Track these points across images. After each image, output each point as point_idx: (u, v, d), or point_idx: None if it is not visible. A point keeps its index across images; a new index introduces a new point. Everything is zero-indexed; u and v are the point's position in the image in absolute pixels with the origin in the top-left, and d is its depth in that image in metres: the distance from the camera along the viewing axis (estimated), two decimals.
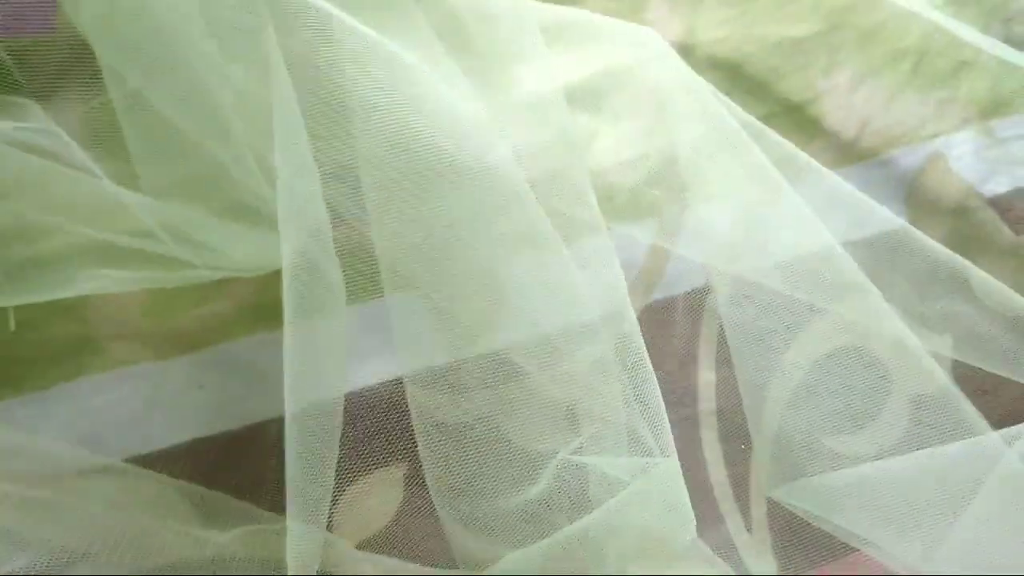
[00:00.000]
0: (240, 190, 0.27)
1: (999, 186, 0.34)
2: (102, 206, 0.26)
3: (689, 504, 0.27)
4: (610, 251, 0.30)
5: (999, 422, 0.32)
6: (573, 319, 0.30)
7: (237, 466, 0.28)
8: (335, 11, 0.25)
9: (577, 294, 0.31)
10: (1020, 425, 0.29)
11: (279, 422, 0.28)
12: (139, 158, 0.27)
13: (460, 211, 0.30)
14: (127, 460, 0.27)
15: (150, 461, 0.27)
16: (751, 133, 0.32)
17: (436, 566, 0.29)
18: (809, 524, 0.32)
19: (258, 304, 0.29)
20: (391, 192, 0.30)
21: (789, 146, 0.33)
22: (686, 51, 0.33)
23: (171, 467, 0.28)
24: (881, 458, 0.31)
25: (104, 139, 0.27)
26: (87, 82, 0.26)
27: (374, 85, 0.27)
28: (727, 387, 0.31)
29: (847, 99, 0.33)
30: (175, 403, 0.28)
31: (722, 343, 0.31)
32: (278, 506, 0.28)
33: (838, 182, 0.33)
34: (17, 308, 0.27)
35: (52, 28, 0.27)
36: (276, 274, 0.29)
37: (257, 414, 0.29)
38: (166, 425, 0.28)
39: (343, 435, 0.29)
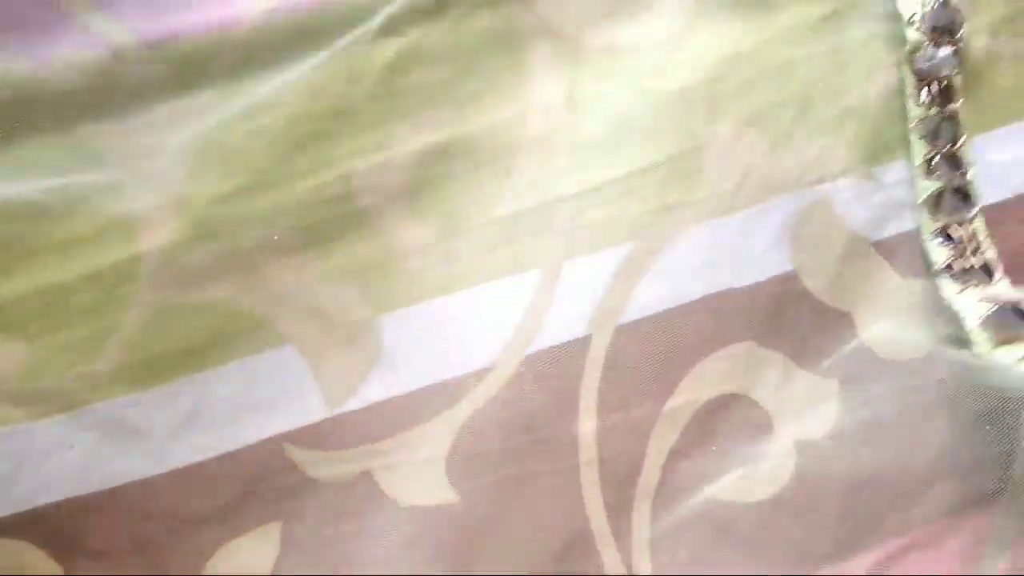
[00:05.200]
0: None
1: (884, 231, 0.34)
2: None
3: None
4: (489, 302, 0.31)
5: (887, 465, 0.32)
6: (449, 371, 0.31)
7: (103, 528, 0.28)
8: None
9: (453, 346, 0.31)
10: None
11: (147, 483, 0.29)
12: None
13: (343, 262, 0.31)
14: None
15: (16, 523, 0.28)
16: (632, 184, 0.33)
17: None
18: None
19: (133, 364, 0.30)
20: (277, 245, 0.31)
21: (670, 196, 0.33)
22: (569, 104, 0.33)
23: (38, 528, 0.28)
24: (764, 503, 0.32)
25: None
26: None
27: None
28: (608, 436, 0.31)
29: (729, 148, 0.34)
30: (42, 463, 0.28)
31: (603, 392, 0.32)
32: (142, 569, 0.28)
33: (720, 230, 0.33)
34: None
35: None
36: (155, 332, 0.29)
37: (125, 475, 0.29)
38: (33, 485, 0.28)
39: (218, 494, 0.29)
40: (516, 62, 0.33)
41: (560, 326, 0.32)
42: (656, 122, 0.34)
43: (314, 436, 0.30)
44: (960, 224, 0.34)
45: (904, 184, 0.34)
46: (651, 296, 0.32)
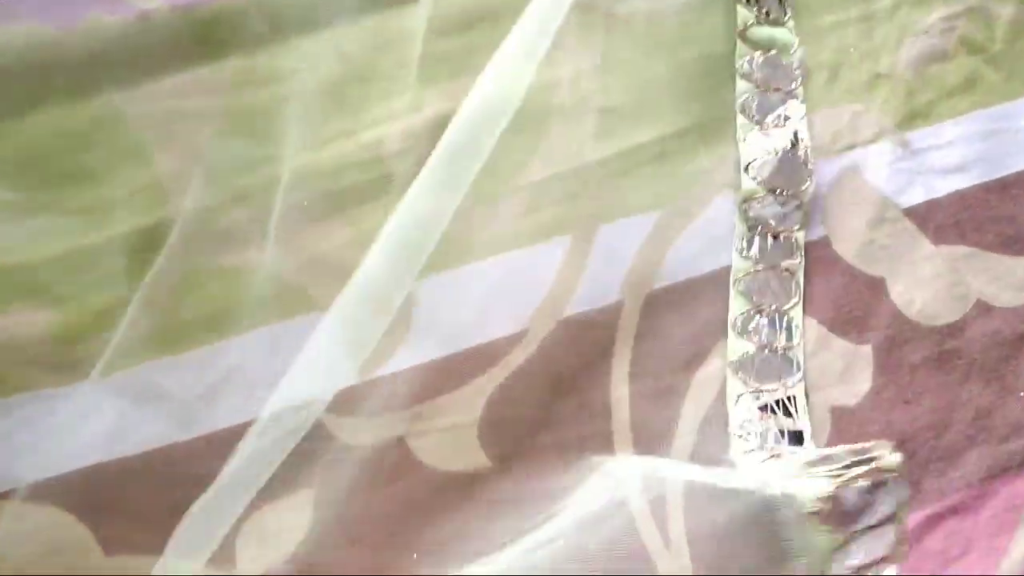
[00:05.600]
0: None
1: (915, 197, 0.34)
2: None
3: None
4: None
5: (922, 430, 0.32)
6: (481, 336, 0.31)
7: (134, 492, 0.28)
8: None
9: (486, 311, 0.31)
10: None
11: (175, 448, 0.29)
12: None
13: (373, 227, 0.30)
14: (24, 487, 0.27)
15: (47, 488, 0.27)
16: (662, 150, 0.33)
17: None
18: (730, 538, 0.31)
19: (164, 329, 0.29)
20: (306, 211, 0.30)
21: (701, 161, 0.33)
22: (601, 73, 0.33)
23: (68, 493, 0.28)
24: None
25: None
26: None
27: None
28: (641, 402, 0.31)
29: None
30: (73, 429, 0.28)
31: (636, 358, 0.31)
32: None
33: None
34: None
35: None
36: (186, 298, 0.29)
37: (155, 440, 0.29)
38: (64, 451, 0.28)
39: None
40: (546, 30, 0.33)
41: (592, 291, 0.31)
42: (686, 89, 0.33)
43: (346, 402, 0.30)
44: (774, 390, 0.31)
45: (936, 150, 0.34)
46: (683, 261, 0.32)
